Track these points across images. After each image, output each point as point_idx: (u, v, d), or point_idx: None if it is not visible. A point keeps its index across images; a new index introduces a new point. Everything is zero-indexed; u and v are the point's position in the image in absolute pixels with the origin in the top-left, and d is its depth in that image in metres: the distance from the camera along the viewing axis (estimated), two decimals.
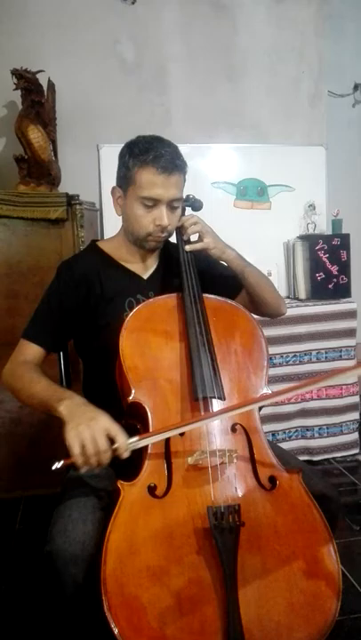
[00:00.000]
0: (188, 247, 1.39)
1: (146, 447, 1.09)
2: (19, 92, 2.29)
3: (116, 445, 1.04)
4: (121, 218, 1.41)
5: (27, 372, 1.29)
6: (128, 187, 1.32)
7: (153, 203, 1.29)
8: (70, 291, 1.37)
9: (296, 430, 2.65)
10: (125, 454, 1.06)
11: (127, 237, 1.41)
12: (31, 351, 1.36)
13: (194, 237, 1.41)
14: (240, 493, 1.07)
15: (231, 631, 0.92)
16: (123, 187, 1.34)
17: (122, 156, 1.34)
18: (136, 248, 1.41)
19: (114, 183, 1.38)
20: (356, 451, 2.73)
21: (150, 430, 1.11)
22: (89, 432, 1.03)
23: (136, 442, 1.06)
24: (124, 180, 1.33)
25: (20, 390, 1.27)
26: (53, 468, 1.04)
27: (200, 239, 1.40)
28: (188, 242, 1.42)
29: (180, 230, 1.41)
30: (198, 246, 1.39)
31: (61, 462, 1.04)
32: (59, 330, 1.39)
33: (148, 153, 1.27)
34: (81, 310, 1.38)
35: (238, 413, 1.15)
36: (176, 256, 1.41)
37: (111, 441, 1.04)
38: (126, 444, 1.05)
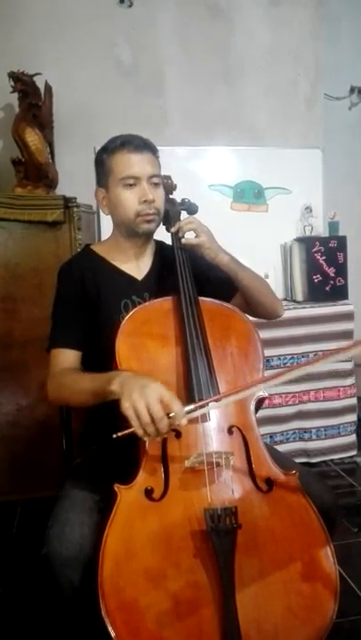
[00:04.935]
0: (183, 240, 1.40)
1: (144, 449, 1.09)
2: (16, 94, 2.29)
3: (172, 413, 1.03)
4: (111, 218, 1.43)
5: (68, 376, 1.30)
6: (108, 179, 1.37)
7: (133, 181, 1.34)
8: (75, 289, 1.39)
9: (294, 432, 2.64)
10: (184, 422, 1.05)
11: (120, 232, 1.43)
12: (65, 358, 1.35)
13: (190, 235, 1.42)
14: (237, 496, 1.07)
15: (229, 634, 0.91)
16: (104, 183, 1.39)
17: (97, 159, 1.42)
18: (130, 244, 1.43)
19: None
20: (353, 453, 2.72)
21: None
22: (143, 400, 1.02)
23: (193, 409, 1.06)
24: (103, 176, 1.38)
25: (70, 396, 1.28)
26: (114, 436, 1.03)
27: (196, 237, 1.40)
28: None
29: (176, 232, 1.42)
30: (194, 241, 1.39)
31: (120, 433, 1.03)
32: (82, 326, 1.38)
33: (117, 140, 1.36)
34: (85, 308, 1.38)
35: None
36: (170, 257, 1.41)
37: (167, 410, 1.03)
38: (183, 411, 1.04)
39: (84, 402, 1.25)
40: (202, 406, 1.08)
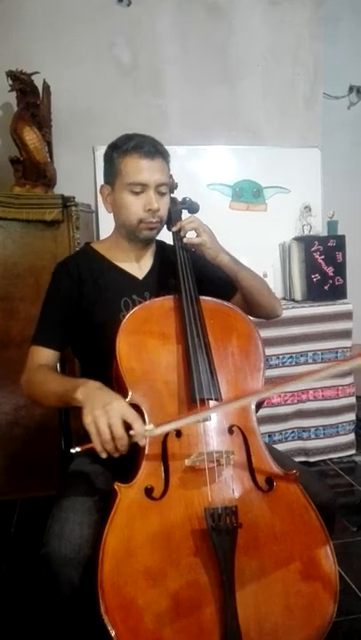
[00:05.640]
0: (185, 239, 1.40)
1: (143, 449, 1.09)
2: (14, 93, 2.29)
3: (132, 432, 1.04)
4: (113, 217, 1.42)
5: (41, 375, 1.30)
6: (115, 179, 1.35)
7: (141, 188, 1.33)
8: (69, 288, 1.39)
9: (293, 431, 2.65)
10: (143, 441, 1.06)
11: (120, 233, 1.42)
12: (43, 355, 1.36)
13: (191, 235, 1.41)
14: (237, 495, 1.07)
15: (229, 633, 0.91)
16: (110, 181, 1.38)
17: (106, 155, 1.39)
18: (130, 246, 1.42)
19: None
20: (352, 452, 2.73)
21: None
22: (105, 417, 1.03)
23: (153, 429, 1.06)
24: (111, 175, 1.36)
25: (40, 395, 1.28)
26: (72, 451, 1.04)
27: (197, 236, 1.40)
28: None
29: (178, 231, 1.42)
30: (196, 240, 1.39)
31: (79, 448, 1.04)
32: (66, 328, 1.39)
33: (130, 142, 1.33)
34: (79, 309, 1.38)
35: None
36: (171, 257, 1.41)
37: (128, 427, 1.04)
38: (143, 430, 1.05)
39: (50, 403, 1.26)
40: (164, 425, 1.07)
